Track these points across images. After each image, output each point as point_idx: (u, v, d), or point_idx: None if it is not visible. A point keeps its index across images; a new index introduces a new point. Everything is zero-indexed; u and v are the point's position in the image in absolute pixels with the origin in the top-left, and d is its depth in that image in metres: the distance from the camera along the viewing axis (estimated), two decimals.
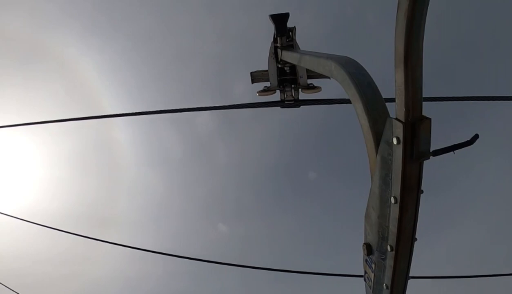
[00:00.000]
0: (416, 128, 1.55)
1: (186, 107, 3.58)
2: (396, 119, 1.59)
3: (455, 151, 1.71)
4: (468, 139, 1.75)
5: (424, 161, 1.64)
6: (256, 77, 3.55)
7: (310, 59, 2.61)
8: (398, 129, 1.58)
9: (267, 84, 3.51)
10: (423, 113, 1.58)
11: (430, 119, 1.57)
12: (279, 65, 3.40)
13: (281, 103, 3.47)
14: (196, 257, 4.90)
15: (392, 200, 1.72)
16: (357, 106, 1.92)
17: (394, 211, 1.74)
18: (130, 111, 3.77)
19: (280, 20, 3.27)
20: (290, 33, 3.29)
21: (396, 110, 1.60)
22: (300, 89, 3.39)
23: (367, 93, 1.89)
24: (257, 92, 3.50)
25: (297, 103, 3.42)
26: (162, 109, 3.84)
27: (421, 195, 1.77)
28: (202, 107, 3.59)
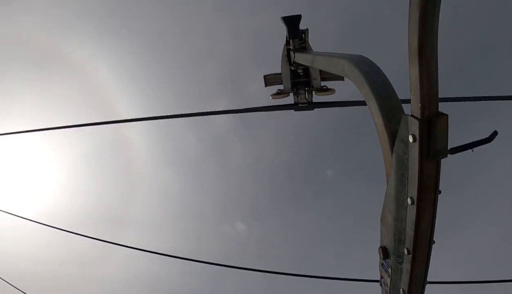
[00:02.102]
0: (433, 125, 1.49)
1: (200, 111, 3.59)
2: (412, 116, 1.53)
3: (473, 149, 1.63)
4: (487, 136, 1.67)
5: (442, 160, 1.58)
6: (269, 80, 3.53)
7: (323, 60, 2.57)
8: (414, 126, 1.52)
9: (281, 87, 3.49)
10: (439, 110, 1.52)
11: (447, 115, 1.51)
12: (292, 68, 3.38)
13: (295, 106, 3.44)
14: (212, 262, 4.88)
15: (409, 201, 1.65)
16: (371, 105, 1.87)
17: (411, 213, 1.67)
18: (145, 115, 3.82)
19: (292, 22, 3.25)
20: (303, 35, 3.26)
21: (411, 106, 1.55)
22: (313, 92, 3.35)
23: (380, 91, 1.84)
24: (271, 95, 3.48)
25: (310, 105, 3.38)
26: (178, 113, 3.87)
27: (439, 195, 1.70)
28: (215, 111, 3.60)
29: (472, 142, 1.62)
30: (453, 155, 1.56)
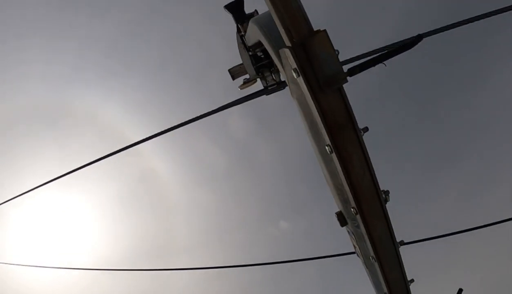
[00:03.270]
0: (308, 47, 1.20)
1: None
2: (285, 47, 1.26)
3: (385, 63, 1.29)
4: (409, 41, 1.32)
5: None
6: (234, 73, 3.34)
7: (253, 31, 2.34)
8: (290, 59, 1.24)
9: (247, 76, 3.28)
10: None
11: (324, 30, 1.20)
12: (251, 53, 3.16)
13: (266, 90, 3.20)
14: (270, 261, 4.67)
15: (328, 150, 1.34)
16: (275, 59, 1.61)
17: (336, 163, 1.35)
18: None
19: (235, 8, 3.07)
20: (252, 17, 3.05)
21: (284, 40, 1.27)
22: (279, 71, 3.08)
23: (278, 39, 1.57)
24: (239, 87, 3.29)
25: (280, 85, 3.11)
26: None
27: (367, 133, 1.36)
28: (193, 118, 3.50)
29: (381, 54, 1.28)
30: (353, 76, 1.24)
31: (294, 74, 1.26)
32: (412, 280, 1.64)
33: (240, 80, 3.38)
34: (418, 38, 1.33)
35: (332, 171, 1.43)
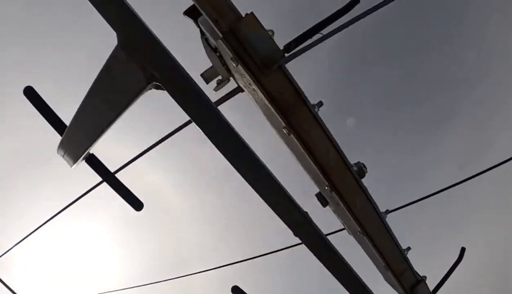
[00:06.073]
0: (238, 32, 1.16)
1: None
2: (219, 40, 1.22)
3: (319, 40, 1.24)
4: (344, 7, 1.26)
5: None
6: (207, 76, 3.30)
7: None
8: (225, 49, 1.20)
9: (220, 77, 3.25)
10: None
11: (251, 13, 1.16)
12: (218, 54, 3.13)
13: (240, 89, 3.16)
14: None
15: (285, 132, 1.29)
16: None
17: (296, 144, 1.31)
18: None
19: (194, 12, 3.05)
20: None
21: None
22: None
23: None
24: (214, 89, 3.25)
25: None
26: None
27: (322, 107, 1.31)
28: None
29: (318, 24, 1.23)
30: (290, 56, 1.19)
31: (233, 63, 1.22)
32: (408, 248, 1.58)
33: (214, 83, 3.35)
34: (354, 2, 1.27)
35: (298, 153, 1.38)
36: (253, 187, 1.12)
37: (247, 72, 1.19)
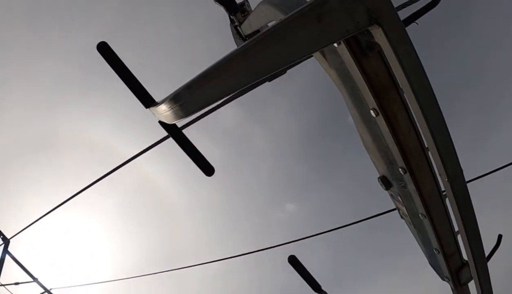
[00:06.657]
0: None
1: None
2: None
3: (417, 22, 1.33)
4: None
5: None
6: None
7: (254, 18, 2.35)
8: None
9: None
10: None
11: None
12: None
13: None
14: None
15: (373, 113, 1.37)
16: None
17: (382, 125, 1.38)
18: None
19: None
20: (244, 6, 3.05)
21: None
22: None
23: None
24: None
25: (282, 70, 3.13)
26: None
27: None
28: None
29: (413, 13, 1.31)
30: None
31: (335, 44, 1.27)
32: (457, 232, 1.69)
33: None
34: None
35: (376, 134, 1.46)
36: None
37: (350, 52, 1.25)
